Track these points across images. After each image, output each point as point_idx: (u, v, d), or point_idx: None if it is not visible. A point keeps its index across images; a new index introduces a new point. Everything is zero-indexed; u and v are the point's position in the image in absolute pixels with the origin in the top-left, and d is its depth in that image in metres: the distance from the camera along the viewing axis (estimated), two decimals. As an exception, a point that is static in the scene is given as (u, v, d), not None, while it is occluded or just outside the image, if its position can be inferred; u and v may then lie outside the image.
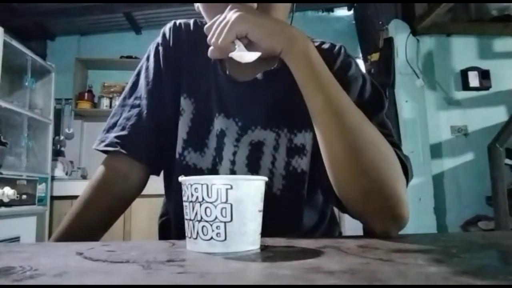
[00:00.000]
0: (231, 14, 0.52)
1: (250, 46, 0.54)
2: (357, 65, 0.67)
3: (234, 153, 0.64)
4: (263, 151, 0.64)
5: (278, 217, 0.58)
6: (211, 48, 0.56)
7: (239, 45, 0.53)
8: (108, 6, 3.07)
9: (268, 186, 0.63)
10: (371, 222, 0.53)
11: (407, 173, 0.55)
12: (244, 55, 0.53)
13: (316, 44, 0.67)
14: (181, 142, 0.65)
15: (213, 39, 0.53)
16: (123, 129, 0.65)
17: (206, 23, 0.71)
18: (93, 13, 3.15)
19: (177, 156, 0.65)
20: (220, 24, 0.53)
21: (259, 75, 0.64)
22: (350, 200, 0.54)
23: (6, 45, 2.23)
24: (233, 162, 0.64)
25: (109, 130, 0.66)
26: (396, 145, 0.56)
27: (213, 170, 0.65)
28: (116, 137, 0.64)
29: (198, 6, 0.66)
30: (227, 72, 0.65)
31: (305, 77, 0.54)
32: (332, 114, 0.52)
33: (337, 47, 0.69)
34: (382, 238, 0.49)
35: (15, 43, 2.35)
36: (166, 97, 0.67)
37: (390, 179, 0.51)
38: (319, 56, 0.55)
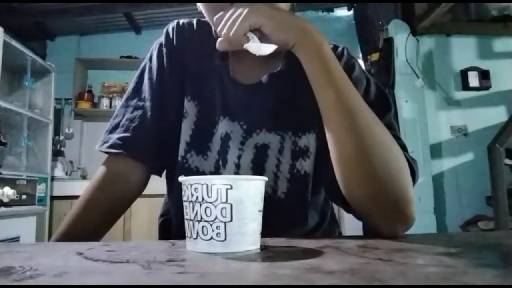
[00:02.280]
0: (243, 7, 0.52)
1: (262, 39, 0.53)
2: (360, 66, 0.66)
3: (239, 157, 0.64)
4: (268, 154, 0.64)
5: (282, 220, 0.58)
6: (220, 39, 0.55)
7: (253, 38, 0.52)
8: (108, 6, 3.07)
9: (273, 190, 0.63)
10: (379, 223, 0.53)
11: (414, 175, 0.54)
12: (261, 47, 0.52)
13: None
14: (183, 145, 0.65)
15: (225, 30, 0.53)
16: (126, 130, 0.64)
17: (208, 23, 0.71)
18: (93, 13, 3.15)
19: (179, 159, 0.65)
20: (232, 15, 0.52)
21: (263, 78, 0.64)
22: (359, 200, 0.53)
23: (6, 45, 2.23)
24: (238, 166, 0.64)
25: (112, 131, 0.65)
26: (404, 147, 0.56)
27: (216, 174, 0.64)
28: (119, 138, 0.63)
29: (199, 5, 0.66)
30: (230, 74, 0.65)
31: (317, 72, 0.53)
32: (343, 111, 0.51)
33: (340, 48, 0.68)
34: (382, 238, 0.49)
35: (15, 43, 2.34)
36: (169, 99, 0.67)
37: (400, 180, 0.50)
38: (331, 51, 0.54)
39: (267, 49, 0.52)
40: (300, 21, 0.54)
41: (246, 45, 0.52)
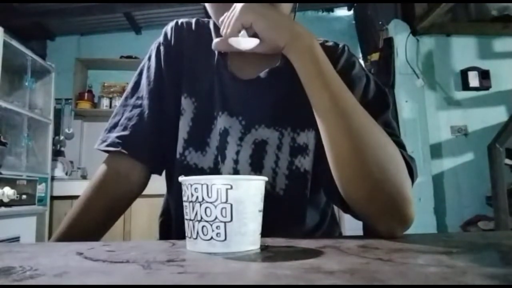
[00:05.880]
0: (238, 5, 0.53)
1: (255, 37, 0.54)
2: (360, 64, 0.66)
3: (237, 152, 0.64)
4: (266, 150, 0.64)
5: (281, 217, 0.58)
6: (215, 40, 0.56)
7: (243, 34, 0.53)
8: (108, 6, 3.07)
9: (271, 186, 0.63)
10: (377, 223, 0.53)
11: (412, 174, 0.54)
12: (241, 41, 0.53)
13: (319, 42, 0.67)
14: (181, 142, 0.65)
15: (224, 30, 0.54)
16: (124, 129, 0.65)
17: (208, 23, 0.72)
18: (93, 13, 3.14)
19: (177, 156, 0.65)
20: (230, 15, 0.54)
21: (262, 74, 0.64)
22: (356, 201, 0.53)
23: (6, 45, 2.23)
24: (236, 161, 0.64)
25: (110, 130, 0.66)
26: (401, 145, 0.56)
27: (215, 169, 0.64)
28: (118, 137, 0.64)
29: (208, 7, 0.67)
30: (229, 70, 0.65)
31: (309, 75, 0.53)
32: (338, 114, 0.51)
33: (340, 46, 0.68)
34: (382, 238, 0.49)
35: (15, 43, 2.34)
36: (167, 97, 0.67)
37: (397, 180, 0.50)
38: (324, 53, 0.54)
39: (249, 43, 0.53)
40: (291, 23, 0.55)
41: (229, 39, 0.53)
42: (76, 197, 0.66)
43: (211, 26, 0.70)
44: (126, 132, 0.64)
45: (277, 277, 0.27)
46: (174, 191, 0.66)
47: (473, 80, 2.90)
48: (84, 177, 3.12)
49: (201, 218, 0.38)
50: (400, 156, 0.53)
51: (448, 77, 2.96)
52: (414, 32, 2.88)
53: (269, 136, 0.64)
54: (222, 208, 0.38)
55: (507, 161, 2.33)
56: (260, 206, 0.41)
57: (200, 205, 0.39)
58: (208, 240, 0.38)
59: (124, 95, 0.70)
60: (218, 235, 0.38)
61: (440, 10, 2.69)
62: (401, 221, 0.52)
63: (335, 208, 0.72)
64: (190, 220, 0.40)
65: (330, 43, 0.69)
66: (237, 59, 0.66)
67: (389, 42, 2.87)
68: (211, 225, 0.38)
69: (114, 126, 0.66)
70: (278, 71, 0.63)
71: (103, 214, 0.64)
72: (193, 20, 0.71)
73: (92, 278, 0.28)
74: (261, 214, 0.41)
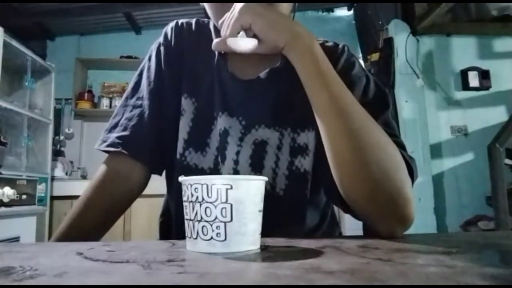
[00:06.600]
0: (237, 5, 0.53)
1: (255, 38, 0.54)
2: (360, 64, 0.66)
3: (238, 152, 0.64)
4: (266, 150, 0.64)
5: (281, 217, 0.58)
6: (215, 40, 0.56)
7: (242, 35, 0.53)
8: (108, 6, 3.07)
9: (271, 186, 0.63)
10: (377, 223, 0.53)
11: (412, 174, 0.54)
12: (240, 42, 0.53)
13: (319, 42, 0.67)
14: (182, 142, 0.65)
15: (223, 32, 0.55)
16: (124, 129, 0.65)
17: (208, 23, 0.72)
18: (93, 13, 3.15)
19: (177, 156, 0.65)
20: (229, 16, 0.54)
21: (262, 74, 0.64)
22: (356, 201, 0.53)
23: (6, 45, 2.23)
24: (236, 162, 0.64)
25: (111, 130, 0.66)
26: (401, 145, 0.56)
27: (215, 170, 0.64)
28: (118, 137, 0.64)
29: (207, 9, 0.66)
30: (229, 70, 0.65)
31: (309, 74, 0.53)
32: (337, 113, 0.51)
33: (340, 46, 0.69)
34: (382, 238, 0.49)
35: (15, 43, 2.34)
36: (167, 97, 0.67)
37: (397, 180, 0.50)
38: (323, 53, 0.54)
39: (247, 44, 0.53)
40: (291, 23, 0.55)
41: (228, 40, 0.53)
42: (76, 197, 0.66)
43: (211, 26, 0.70)
44: (126, 133, 0.64)
45: (277, 277, 0.27)
46: (174, 191, 0.66)
47: (473, 80, 2.90)
48: (84, 177, 3.12)
49: (201, 218, 0.38)
50: (400, 156, 0.52)
51: (448, 77, 2.96)
52: (414, 32, 2.88)
53: (269, 136, 0.64)
54: (222, 208, 0.38)
55: (507, 161, 2.33)
56: (260, 206, 0.41)
57: (200, 205, 0.39)
58: (208, 240, 0.38)
59: (125, 95, 0.70)
60: (218, 235, 0.38)
61: (440, 10, 2.69)
62: (401, 221, 0.52)
63: (335, 208, 0.72)
64: (190, 220, 0.40)
65: (330, 43, 0.69)
66: (237, 60, 0.66)
67: (389, 42, 2.87)
68: (211, 225, 0.38)
69: (114, 126, 0.66)
70: (278, 71, 0.63)
71: (103, 214, 0.64)
72: (193, 21, 0.71)
73: (92, 278, 0.28)
74: (261, 214, 0.41)
